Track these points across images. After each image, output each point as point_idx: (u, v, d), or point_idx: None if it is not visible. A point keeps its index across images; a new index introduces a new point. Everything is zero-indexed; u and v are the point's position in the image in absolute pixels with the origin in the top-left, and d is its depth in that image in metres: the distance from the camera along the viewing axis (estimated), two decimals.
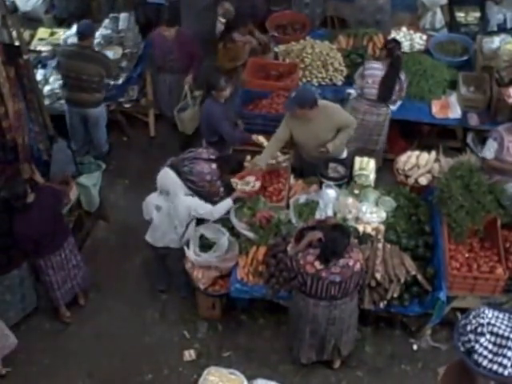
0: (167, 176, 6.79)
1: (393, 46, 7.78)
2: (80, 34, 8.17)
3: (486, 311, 4.00)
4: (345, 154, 7.66)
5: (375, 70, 7.77)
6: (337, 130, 7.28)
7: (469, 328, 3.96)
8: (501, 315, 4.00)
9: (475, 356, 3.89)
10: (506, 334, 3.90)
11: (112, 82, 8.88)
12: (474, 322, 3.96)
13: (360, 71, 7.95)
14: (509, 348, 3.87)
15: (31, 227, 6.43)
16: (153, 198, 6.92)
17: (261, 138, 7.63)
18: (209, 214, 6.89)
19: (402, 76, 7.88)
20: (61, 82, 8.61)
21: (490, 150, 7.03)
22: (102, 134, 8.70)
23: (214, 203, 7.22)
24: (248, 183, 7.20)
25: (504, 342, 3.87)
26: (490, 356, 3.87)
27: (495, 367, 3.86)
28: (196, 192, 7.21)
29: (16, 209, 6.37)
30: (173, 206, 6.79)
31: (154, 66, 8.85)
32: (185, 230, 6.92)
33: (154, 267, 7.56)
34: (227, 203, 6.95)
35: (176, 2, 9.50)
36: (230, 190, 7.30)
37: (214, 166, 7.14)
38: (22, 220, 6.41)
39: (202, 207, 6.84)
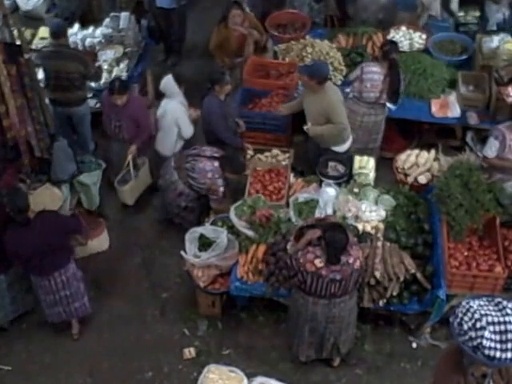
0: (168, 81, 7.92)
1: (388, 48, 7.77)
2: (54, 33, 8.15)
3: (471, 303, 4.03)
4: (342, 149, 7.72)
5: (374, 73, 7.75)
6: (326, 119, 7.43)
7: (465, 327, 3.98)
8: (482, 302, 4.05)
9: (486, 351, 3.91)
10: (501, 319, 3.94)
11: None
12: (466, 318, 3.98)
13: (357, 73, 7.89)
14: (510, 331, 3.90)
15: (21, 244, 6.26)
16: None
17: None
18: (187, 129, 7.95)
19: (401, 76, 7.87)
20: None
21: (491, 149, 7.03)
22: (88, 132, 8.65)
23: (211, 201, 7.29)
24: None
25: (503, 328, 3.91)
26: (498, 346, 3.90)
27: (509, 355, 3.89)
28: (197, 189, 7.25)
29: (13, 221, 6.26)
30: (165, 107, 7.91)
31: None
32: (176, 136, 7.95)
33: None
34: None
35: (183, 6, 9.53)
36: (230, 188, 7.40)
37: (216, 163, 7.19)
38: (14, 233, 6.26)
39: (185, 120, 7.93)
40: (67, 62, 8.02)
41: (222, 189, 7.26)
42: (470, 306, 4.00)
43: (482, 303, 4.02)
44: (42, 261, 6.42)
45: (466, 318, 3.98)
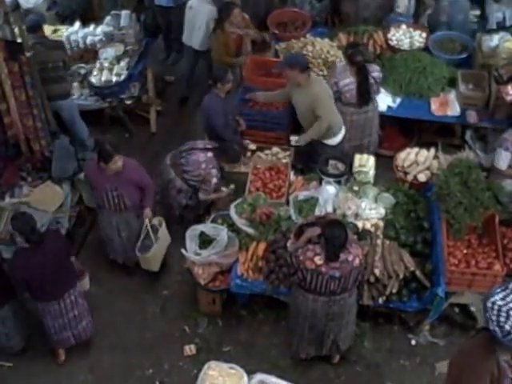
0: None
1: (351, 52, 7.70)
2: (31, 27, 8.05)
3: (496, 302, 4.03)
4: (334, 142, 7.76)
5: (349, 85, 7.70)
6: (314, 114, 7.47)
7: (507, 327, 3.99)
8: (501, 295, 4.06)
9: None
10: None
11: (114, 79, 8.92)
12: (502, 319, 3.98)
13: (334, 89, 7.74)
14: None
15: (34, 268, 6.14)
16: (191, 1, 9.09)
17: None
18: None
19: (374, 73, 7.78)
20: None
21: (503, 161, 7.04)
22: (81, 128, 8.58)
23: (200, 191, 7.32)
24: None
25: None
26: None
27: None
28: (192, 182, 7.24)
29: (28, 241, 6.17)
30: (198, 8, 8.96)
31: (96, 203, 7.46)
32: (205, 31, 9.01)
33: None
34: None
35: (183, 4, 9.56)
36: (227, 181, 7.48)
37: (209, 154, 7.17)
38: (25, 258, 6.17)
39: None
40: (51, 51, 8.03)
41: (214, 180, 7.20)
42: (499, 306, 4.00)
43: (502, 296, 4.02)
44: (54, 282, 6.32)
45: (502, 319, 3.98)
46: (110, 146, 6.72)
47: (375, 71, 7.82)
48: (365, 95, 7.76)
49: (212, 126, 7.68)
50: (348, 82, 7.71)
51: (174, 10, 9.80)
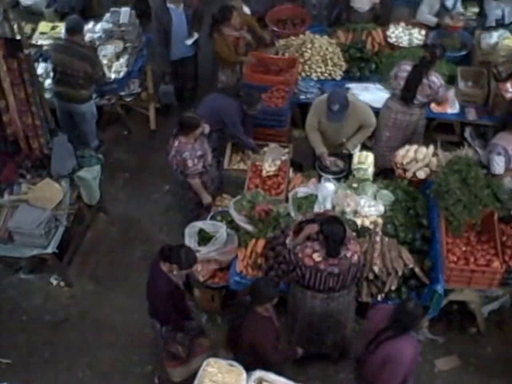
0: None
1: (432, 43, 7.89)
2: (68, 29, 8.10)
3: None
4: (357, 150, 7.76)
5: (404, 72, 7.61)
6: (359, 127, 7.52)
7: None
8: None
9: None
10: None
11: (113, 76, 8.92)
12: None
13: (394, 71, 7.77)
14: None
15: None
16: None
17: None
18: None
19: (435, 78, 7.61)
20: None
21: (499, 165, 7.03)
22: (90, 129, 8.62)
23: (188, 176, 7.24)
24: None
25: None
26: None
27: None
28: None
29: None
30: None
31: None
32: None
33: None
34: None
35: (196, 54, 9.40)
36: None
37: (175, 143, 7.13)
38: None
39: None
40: (75, 59, 7.98)
41: (190, 162, 7.09)
42: None
43: None
44: None
45: None
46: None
47: (435, 77, 7.60)
48: (409, 90, 7.58)
49: (230, 132, 7.89)
50: (408, 68, 7.59)
51: (191, 59, 9.44)
